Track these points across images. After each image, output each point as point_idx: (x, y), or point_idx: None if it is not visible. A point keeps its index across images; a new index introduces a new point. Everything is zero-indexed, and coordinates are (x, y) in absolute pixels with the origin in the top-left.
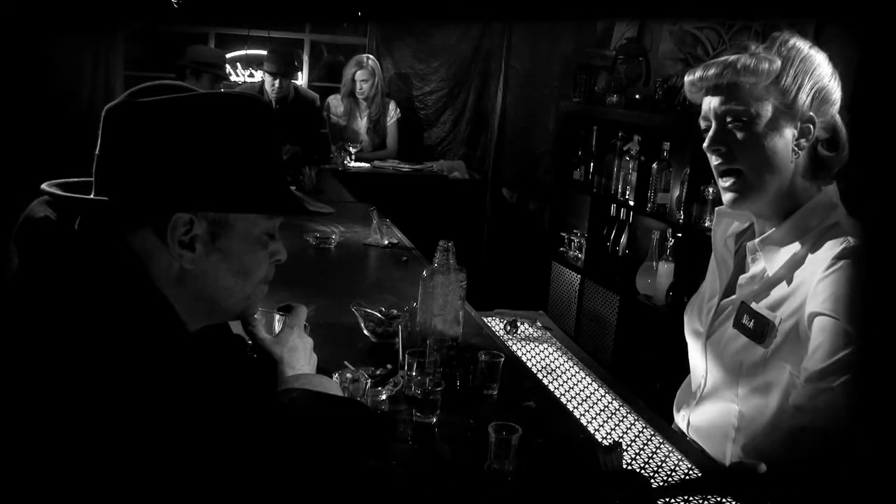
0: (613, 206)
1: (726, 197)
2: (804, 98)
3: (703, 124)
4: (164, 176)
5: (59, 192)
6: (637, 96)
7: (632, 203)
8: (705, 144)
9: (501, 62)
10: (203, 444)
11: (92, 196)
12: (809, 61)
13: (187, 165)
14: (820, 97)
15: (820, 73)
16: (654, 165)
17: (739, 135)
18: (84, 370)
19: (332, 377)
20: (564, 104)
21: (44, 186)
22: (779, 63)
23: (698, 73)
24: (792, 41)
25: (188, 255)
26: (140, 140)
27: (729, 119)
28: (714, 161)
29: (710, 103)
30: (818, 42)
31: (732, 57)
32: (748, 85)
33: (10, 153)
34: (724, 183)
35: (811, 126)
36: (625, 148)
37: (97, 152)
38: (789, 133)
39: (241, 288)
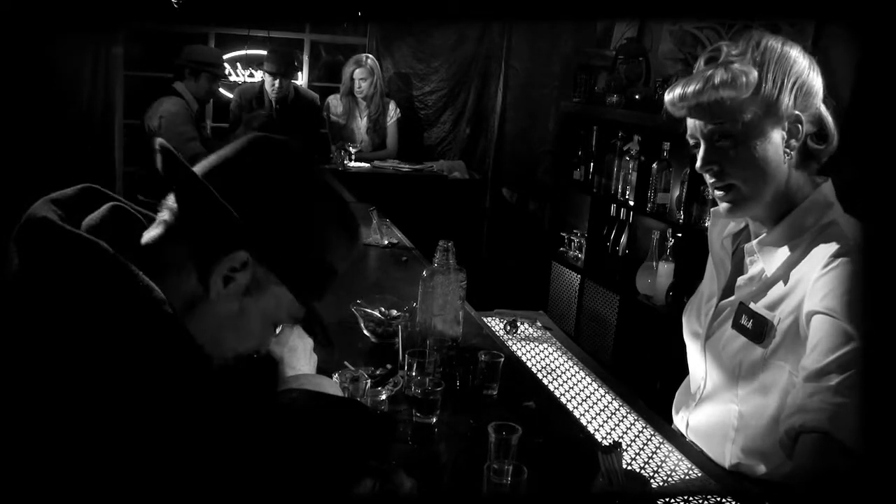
0: (613, 206)
1: (722, 206)
2: (787, 99)
3: (691, 141)
4: (253, 213)
5: (186, 164)
6: (637, 96)
7: (632, 203)
8: (697, 165)
9: (501, 62)
10: (203, 444)
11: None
12: (785, 59)
13: (278, 217)
14: (802, 92)
15: (798, 68)
16: (654, 165)
17: (730, 152)
18: (83, 370)
19: (332, 377)
20: (564, 104)
21: (161, 141)
22: (755, 73)
23: (678, 92)
24: (763, 42)
25: (219, 286)
26: (255, 174)
27: (716, 137)
28: (709, 179)
29: (696, 123)
30: (818, 42)
31: (708, 72)
32: (729, 101)
33: (10, 153)
34: (720, 194)
35: (799, 125)
36: (625, 148)
37: (221, 161)
38: (777, 136)
39: (230, 347)
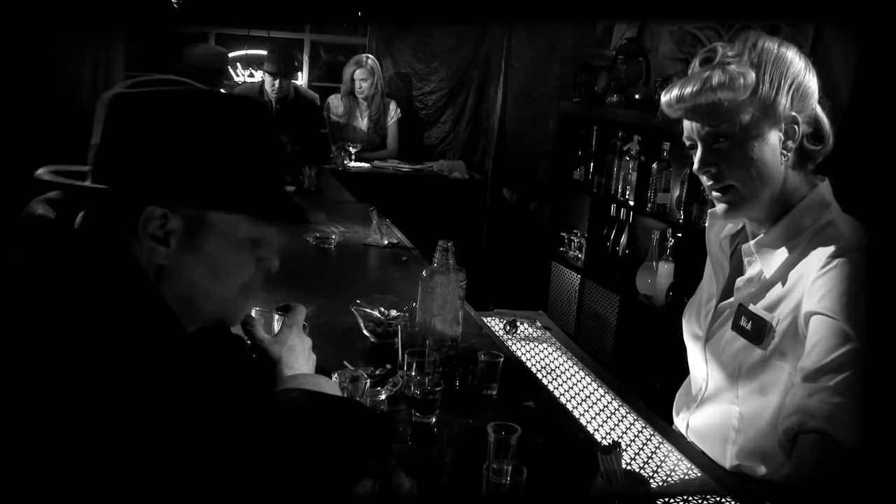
0: (613, 206)
1: (720, 207)
2: (784, 100)
3: (687, 143)
4: (140, 168)
5: (58, 178)
6: (637, 96)
7: (632, 203)
8: (695, 168)
9: (501, 62)
10: (202, 444)
11: (88, 184)
12: (782, 61)
13: (163, 158)
14: (799, 94)
15: (795, 70)
16: (654, 165)
17: (728, 153)
18: (82, 370)
19: (331, 377)
20: (564, 104)
21: (40, 172)
22: (753, 75)
23: (674, 94)
24: (760, 43)
25: (161, 250)
26: (121, 131)
27: (714, 139)
28: (706, 181)
29: (693, 125)
30: (818, 42)
31: (705, 73)
32: (727, 102)
33: (9, 153)
34: (718, 195)
35: (796, 126)
36: (625, 148)
37: (93, 142)
38: (775, 138)
39: (218, 291)
